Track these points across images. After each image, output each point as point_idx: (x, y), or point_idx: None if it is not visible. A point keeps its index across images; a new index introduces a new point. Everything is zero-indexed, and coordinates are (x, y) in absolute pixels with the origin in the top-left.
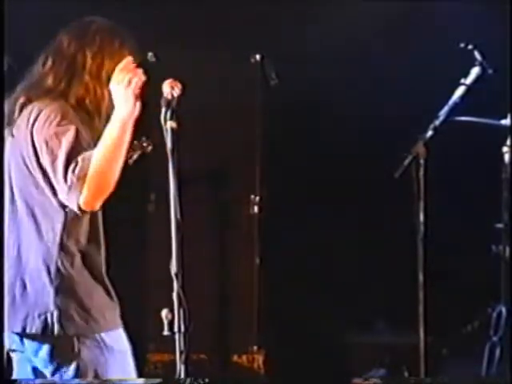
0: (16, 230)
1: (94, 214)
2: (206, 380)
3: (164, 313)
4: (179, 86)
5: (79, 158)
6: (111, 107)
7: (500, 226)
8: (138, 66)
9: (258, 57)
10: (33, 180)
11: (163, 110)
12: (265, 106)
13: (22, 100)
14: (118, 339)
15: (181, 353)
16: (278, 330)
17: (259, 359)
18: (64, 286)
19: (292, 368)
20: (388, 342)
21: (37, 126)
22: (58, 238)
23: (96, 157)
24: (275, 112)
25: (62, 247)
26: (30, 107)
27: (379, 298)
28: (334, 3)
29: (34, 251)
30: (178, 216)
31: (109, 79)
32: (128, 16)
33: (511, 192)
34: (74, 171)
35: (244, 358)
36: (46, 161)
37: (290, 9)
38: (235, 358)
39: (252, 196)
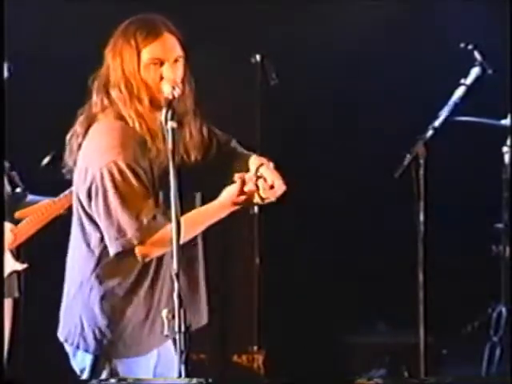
0: (72, 240)
1: None
2: (195, 380)
3: (164, 313)
4: (180, 85)
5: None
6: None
7: (500, 226)
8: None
9: (258, 57)
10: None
11: (164, 109)
12: (265, 106)
13: (82, 127)
14: (132, 369)
15: (181, 353)
16: (278, 330)
17: (259, 359)
18: (91, 303)
19: (292, 368)
20: (388, 342)
21: (88, 161)
22: (97, 251)
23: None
24: (275, 112)
25: (100, 260)
26: (89, 133)
27: (379, 298)
28: (334, 3)
29: (78, 263)
30: (179, 216)
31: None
32: (128, 16)
33: (511, 192)
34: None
35: (244, 357)
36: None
37: (290, 9)
38: (235, 357)
39: None
